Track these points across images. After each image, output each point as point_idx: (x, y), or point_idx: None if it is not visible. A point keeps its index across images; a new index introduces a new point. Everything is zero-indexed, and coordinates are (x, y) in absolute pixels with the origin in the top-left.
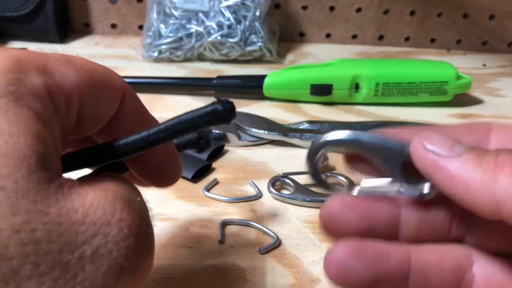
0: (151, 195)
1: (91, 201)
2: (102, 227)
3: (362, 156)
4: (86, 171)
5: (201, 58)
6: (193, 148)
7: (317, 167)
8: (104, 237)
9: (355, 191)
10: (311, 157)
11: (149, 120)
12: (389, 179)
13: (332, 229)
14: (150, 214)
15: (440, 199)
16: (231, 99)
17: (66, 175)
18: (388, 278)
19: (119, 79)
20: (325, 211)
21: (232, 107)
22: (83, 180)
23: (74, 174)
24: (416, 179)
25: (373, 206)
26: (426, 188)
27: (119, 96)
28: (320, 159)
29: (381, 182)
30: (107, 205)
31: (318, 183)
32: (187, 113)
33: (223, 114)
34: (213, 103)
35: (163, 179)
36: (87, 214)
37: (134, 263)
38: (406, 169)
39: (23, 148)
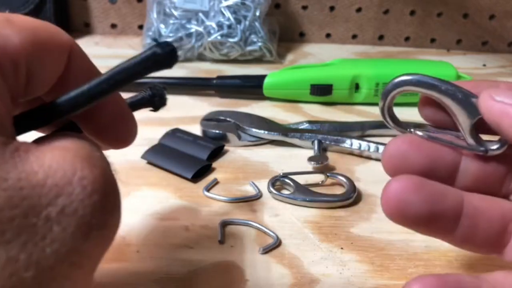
0: (151, 194)
1: (49, 162)
2: (64, 187)
3: (436, 102)
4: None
5: (201, 58)
6: (147, 106)
7: (391, 105)
8: (68, 197)
9: (423, 134)
10: (386, 95)
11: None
12: (456, 133)
13: (394, 165)
14: (112, 168)
15: (501, 156)
16: (230, 98)
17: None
18: (443, 216)
19: (65, 35)
20: (391, 148)
21: (173, 49)
22: (39, 141)
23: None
24: (482, 141)
25: (438, 149)
26: (492, 145)
27: (66, 53)
28: (394, 97)
29: (448, 134)
30: (67, 164)
31: (391, 120)
32: (126, 60)
33: (163, 58)
34: (151, 47)
35: (118, 139)
36: (47, 175)
37: (102, 219)
38: (476, 127)
39: None
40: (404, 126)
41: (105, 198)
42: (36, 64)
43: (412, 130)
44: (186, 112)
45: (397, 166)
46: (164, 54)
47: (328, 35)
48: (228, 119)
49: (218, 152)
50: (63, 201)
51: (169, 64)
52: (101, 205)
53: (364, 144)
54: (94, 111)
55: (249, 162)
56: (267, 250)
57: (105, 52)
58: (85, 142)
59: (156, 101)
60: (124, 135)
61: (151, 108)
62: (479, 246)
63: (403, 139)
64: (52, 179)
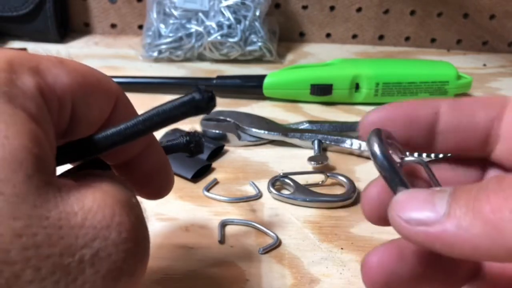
0: None
1: (90, 205)
2: (101, 230)
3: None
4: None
5: (201, 58)
6: (183, 151)
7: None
8: (103, 241)
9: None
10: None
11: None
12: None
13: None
14: (145, 215)
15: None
16: (230, 98)
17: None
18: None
19: (113, 83)
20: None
21: (211, 96)
22: (80, 181)
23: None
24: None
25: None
26: None
27: (112, 101)
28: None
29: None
30: (107, 208)
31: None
32: (165, 103)
33: (201, 104)
34: (191, 92)
35: (155, 190)
36: (86, 217)
37: (133, 266)
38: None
39: (20, 151)
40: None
41: (138, 245)
42: (81, 106)
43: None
44: None
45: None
46: (202, 100)
47: (328, 35)
48: (228, 119)
49: (218, 152)
50: (99, 244)
51: (206, 110)
52: (133, 252)
53: (364, 144)
54: (137, 160)
55: (249, 162)
56: (267, 250)
57: (105, 52)
58: (123, 186)
59: (192, 148)
60: (161, 187)
61: (187, 154)
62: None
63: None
64: (91, 222)
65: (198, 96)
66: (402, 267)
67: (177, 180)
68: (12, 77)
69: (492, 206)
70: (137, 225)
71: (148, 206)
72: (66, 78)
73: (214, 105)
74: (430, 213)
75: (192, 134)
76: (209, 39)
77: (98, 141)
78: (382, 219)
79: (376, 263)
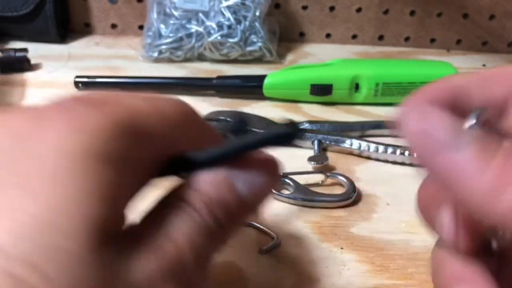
0: (151, 195)
1: (151, 267)
2: None
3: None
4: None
5: (201, 58)
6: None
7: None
8: None
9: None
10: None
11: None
12: None
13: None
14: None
15: None
16: (230, 98)
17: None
18: None
19: (198, 117)
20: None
21: (299, 129)
22: (147, 232)
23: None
24: None
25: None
26: None
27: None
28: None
29: None
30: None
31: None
32: (259, 134)
33: (289, 137)
34: (284, 127)
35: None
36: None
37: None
38: None
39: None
40: None
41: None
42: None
43: None
44: None
45: None
46: (291, 134)
47: (328, 35)
48: (228, 119)
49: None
50: None
51: (290, 142)
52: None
53: (364, 144)
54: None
55: None
56: (267, 250)
57: (105, 52)
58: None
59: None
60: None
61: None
62: None
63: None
64: None
65: (291, 130)
66: None
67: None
68: (125, 146)
69: (509, 163)
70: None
71: (149, 206)
72: (164, 132)
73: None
74: (450, 138)
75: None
76: (209, 39)
77: (200, 161)
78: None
79: None
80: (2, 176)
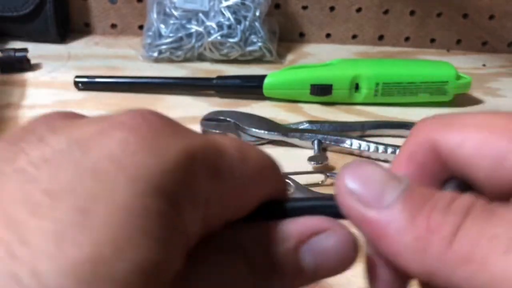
0: None
1: None
2: None
3: None
4: None
5: (201, 58)
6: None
7: None
8: None
9: None
10: None
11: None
12: None
13: None
14: None
15: None
16: (230, 98)
17: None
18: None
19: (279, 177)
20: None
21: None
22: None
23: None
24: None
25: None
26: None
27: (268, 194)
28: None
29: None
30: None
31: None
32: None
33: None
34: None
35: None
36: None
37: None
38: None
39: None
40: None
41: None
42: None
43: None
44: (186, 112)
45: None
46: None
47: (328, 35)
48: (228, 119)
49: None
50: None
51: None
52: None
53: (364, 144)
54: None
55: None
56: None
57: (105, 52)
58: None
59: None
60: None
61: None
62: None
63: None
64: None
65: None
66: None
67: None
68: (187, 178)
69: (431, 221)
70: None
71: None
72: (240, 182)
73: None
74: (375, 198)
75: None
76: (209, 39)
77: (288, 209)
78: None
79: None
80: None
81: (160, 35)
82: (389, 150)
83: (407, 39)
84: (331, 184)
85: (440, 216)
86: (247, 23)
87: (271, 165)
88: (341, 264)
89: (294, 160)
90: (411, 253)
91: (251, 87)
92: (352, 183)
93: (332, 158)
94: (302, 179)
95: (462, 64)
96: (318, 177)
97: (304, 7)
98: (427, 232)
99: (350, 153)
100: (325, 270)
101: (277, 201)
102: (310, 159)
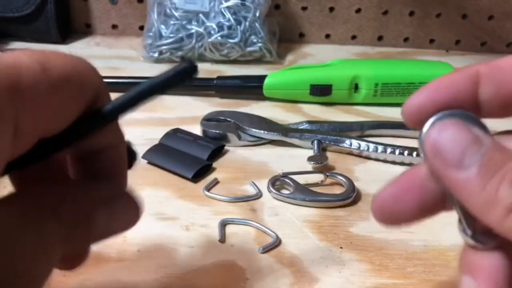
0: (152, 194)
1: None
2: None
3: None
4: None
5: (201, 58)
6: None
7: None
8: None
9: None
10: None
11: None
12: None
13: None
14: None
15: None
16: (230, 98)
17: None
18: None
19: (93, 79)
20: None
21: (196, 66)
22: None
23: None
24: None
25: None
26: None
27: (91, 98)
28: None
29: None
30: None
31: None
32: (160, 76)
33: (191, 72)
34: (180, 64)
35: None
36: None
37: None
38: None
39: None
40: None
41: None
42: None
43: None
44: (186, 112)
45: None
46: (192, 69)
47: (327, 36)
48: (228, 119)
49: (218, 152)
50: None
51: (191, 77)
52: None
53: (363, 144)
54: (99, 155)
55: (249, 162)
56: (267, 249)
57: (106, 53)
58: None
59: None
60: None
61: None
62: None
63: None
64: None
65: (189, 65)
66: (407, 199)
67: (177, 180)
68: None
69: (498, 193)
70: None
71: (149, 205)
72: (46, 93)
73: (197, 73)
74: (456, 160)
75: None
76: (210, 40)
77: (108, 113)
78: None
79: (383, 197)
80: None
81: (160, 36)
82: (388, 150)
83: (406, 39)
84: (331, 184)
85: (507, 188)
86: (247, 23)
87: (82, 70)
88: (128, 220)
89: (294, 160)
90: (481, 209)
91: (251, 87)
92: (438, 145)
93: (332, 158)
94: (302, 179)
95: (461, 65)
96: (318, 177)
97: (304, 8)
98: (493, 199)
99: (350, 153)
100: (115, 224)
101: (92, 113)
102: (310, 159)
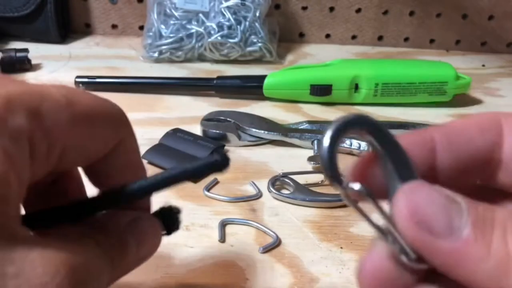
0: None
1: (33, 257)
2: (36, 287)
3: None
4: None
5: (201, 58)
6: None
7: (335, 159)
8: None
9: (361, 189)
10: (331, 145)
11: (140, 167)
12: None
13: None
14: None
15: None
16: (230, 98)
17: None
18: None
19: (122, 121)
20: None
21: (228, 158)
22: (40, 233)
23: None
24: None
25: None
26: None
27: (116, 139)
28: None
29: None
30: (51, 266)
31: (335, 181)
32: (189, 164)
33: (222, 166)
34: (212, 155)
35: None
36: (23, 269)
37: None
38: None
39: None
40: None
41: None
42: (78, 146)
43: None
44: (186, 112)
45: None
46: (223, 162)
47: (327, 36)
48: (228, 119)
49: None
50: None
51: (224, 170)
52: None
53: (363, 144)
54: (105, 162)
55: (249, 162)
56: (267, 249)
57: (106, 53)
58: (90, 251)
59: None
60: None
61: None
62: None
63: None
64: (27, 275)
65: (220, 159)
66: (397, 275)
67: None
68: (4, 115)
69: (509, 246)
70: None
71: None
72: (67, 124)
73: (228, 166)
74: (445, 227)
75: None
76: (210, 39)
77: (125, 194)
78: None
79: (371, 271)
80: None
81: (160, 36)
82: None
83: (406, 39)
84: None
85: None
86: (247, 23)
87: (109, 110)
88: (154, 242)
89: (294, 160)
90: (492, 278)
91: (251, 87)
92: (415, 214)
93: None
94: (302, 179)
95: (462, 65)
96: (318, 177)
97: (304, 8)
98: (507, 257)
99: (350, 153)
100: (143, 247)
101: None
102: (310, 159)
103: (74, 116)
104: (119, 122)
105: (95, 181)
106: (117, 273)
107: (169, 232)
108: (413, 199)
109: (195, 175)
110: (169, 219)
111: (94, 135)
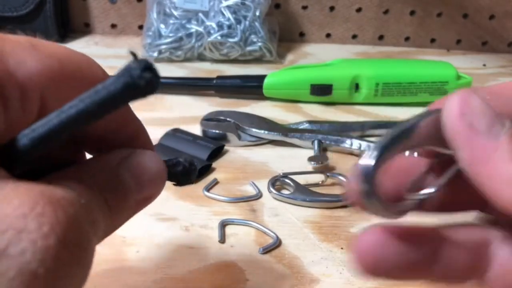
0: None
1: (8, 191)
2: (15, 219)
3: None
4: None
5: (201, 58)
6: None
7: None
8: (17, 233)
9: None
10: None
11: (132, 118)
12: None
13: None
14: (94, 231)
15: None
16: (230, 98)
17: None
18: (420, 263)
19: (99, 70)
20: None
21: (154, 70)
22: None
23: None
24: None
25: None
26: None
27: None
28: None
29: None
30: (27, 197)
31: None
32: (96, 89)
33: (145, 87)
34: (128, 70)
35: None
36: None
37: (52, 272)
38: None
39: None
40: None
41: (65, 248)
42: (54, 97)
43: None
44: (186, 112)
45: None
46: (145, 82)
47: (328, 35)
48: (228, 119)
49: (218, 152)
50: (10, 237)
51: (149, 91)
52: (56, 253)
53: (364, 144)
54: (112, 136)
55: (249, 162)
56: (267, 250)
57: (105, 52)
58: (68, 188)
59: (180, 177)
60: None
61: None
62: (459, 277)
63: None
64: (3, 209)
65: (137, 72)
66: (394, 251)
67: None
68: None
69: None
70: (68, 225)
71: (148, 206)
72: (35, 65)
73: (157, 86)
74: (486, 126)
75: (186, 162)
76: (209, 39)
77: (19, 147)
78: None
79: (366, 247)
80: None
81: (160, 35)
82: None
83: (407, 39)
84: (331, 184)
85: None
86: (247, 23)
87: (78, 58)
88: (157, 179)
89: (294, 160)
90: (507, 180)
91: (251, 87)
92: (466, 108)
93: (332, 158)
94: (302, 180)
95: (462, 64)
96: (318, 177)
97: (304, 7)
98: None
99: (350, 153)
100: (145, 186)
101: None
102: (310, 159)
103: (42, 59)
104: (92, 68)
105: (91, 146)
106: (117, 217)
107: (179, 183)
108: (467, 99)
109: (103, 110)
110: (183, 170)
111: (69, 83)
